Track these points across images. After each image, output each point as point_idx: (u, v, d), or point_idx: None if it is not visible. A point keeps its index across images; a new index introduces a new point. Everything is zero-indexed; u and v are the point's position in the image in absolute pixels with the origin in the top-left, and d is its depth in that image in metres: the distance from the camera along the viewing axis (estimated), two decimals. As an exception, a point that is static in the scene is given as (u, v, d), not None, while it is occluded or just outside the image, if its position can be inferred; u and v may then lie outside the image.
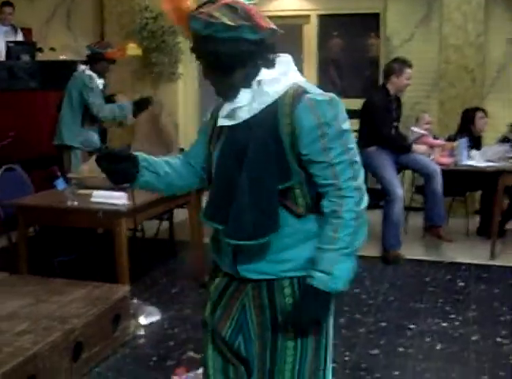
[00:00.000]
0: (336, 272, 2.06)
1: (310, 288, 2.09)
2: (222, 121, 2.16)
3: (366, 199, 2.11)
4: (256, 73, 2.09)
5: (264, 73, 2.10)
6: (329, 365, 2.32)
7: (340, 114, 2.07)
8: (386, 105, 6.19)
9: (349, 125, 2.10)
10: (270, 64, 2.11)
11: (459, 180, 6.64)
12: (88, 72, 5.90)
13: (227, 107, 2.14)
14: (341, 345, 4.26)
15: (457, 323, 4.66)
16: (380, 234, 6.20)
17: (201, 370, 3.77)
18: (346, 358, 4.10)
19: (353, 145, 2.10)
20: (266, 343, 2.24)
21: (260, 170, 2.06)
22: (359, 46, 8.97)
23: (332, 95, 2.11)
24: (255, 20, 2.02)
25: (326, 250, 2.08)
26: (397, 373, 3.92)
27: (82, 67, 5.95)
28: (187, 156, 2.44)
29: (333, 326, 2.31)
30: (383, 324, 4.67)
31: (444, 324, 4.64)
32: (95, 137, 6.10)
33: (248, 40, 2.03)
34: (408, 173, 7.04)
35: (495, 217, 6.21)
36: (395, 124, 6.28)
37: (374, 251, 6.24)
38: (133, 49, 6.07)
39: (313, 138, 2.04)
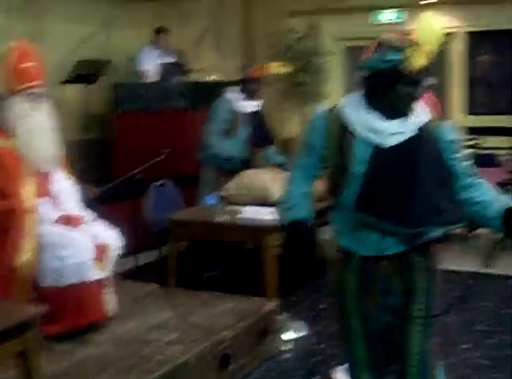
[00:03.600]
0: None
1: None
2: None
3: None
4: None
5: None
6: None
7: None
8: None
9: None
10: None
11: None
12: (231, 95, 5.85)
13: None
14: (492, 365, 4.16)
15: None
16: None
17: None
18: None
19: None
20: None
21: None
22: (507, 62, 8.72)
23: None
24: None
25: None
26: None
27: (229, 90, 5.94)
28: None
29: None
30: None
31: None
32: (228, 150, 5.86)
33: None
34: None
35: None
36: None
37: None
38: (276, 67, 6.06)
39: None
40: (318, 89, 8.92)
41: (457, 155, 2.72)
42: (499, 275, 6.03)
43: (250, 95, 5.88)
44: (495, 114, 8.38)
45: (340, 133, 2.70)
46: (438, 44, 2.60)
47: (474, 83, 8.82)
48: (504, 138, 7.00)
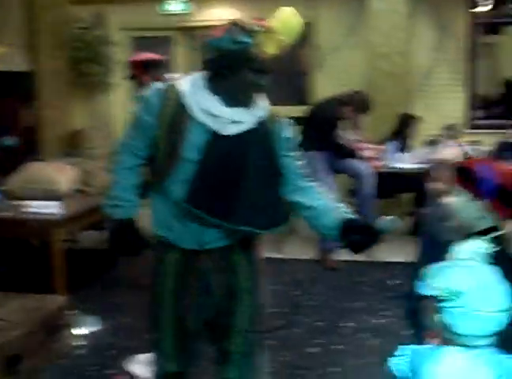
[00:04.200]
0: None
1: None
2: None
3: None
4: None
5: None
6: None
7: None
8: (336, 114, 6.30)
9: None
10: None
11: (390, 182, 6.76)
12: None
13: None
14: (279, 346, 4.31)
15: (390, 319, 4.77)
16: (318, 238, 6.26)
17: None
18: (286, 358, 4.17)
19: None
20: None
21: None
22: (288, 55, 9.11)
23: None
24: None
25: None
26: (338, 369, 4.02)
27: None
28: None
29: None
30: (320, 323, 4.76)
31: (378, 321, 4.76)
32: None
33: None
34: (342, 178, 7.13)
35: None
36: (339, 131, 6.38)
37: (311, 254, 6.34)
38: None
39: None
40: (106, 80, 8.82)
41: (291, 153, 2.65)
42: (285, 259, 6.34)
43: None
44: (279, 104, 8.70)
45: (176, 113, 2.47)
46: (292, 37, 2.51)
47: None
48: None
